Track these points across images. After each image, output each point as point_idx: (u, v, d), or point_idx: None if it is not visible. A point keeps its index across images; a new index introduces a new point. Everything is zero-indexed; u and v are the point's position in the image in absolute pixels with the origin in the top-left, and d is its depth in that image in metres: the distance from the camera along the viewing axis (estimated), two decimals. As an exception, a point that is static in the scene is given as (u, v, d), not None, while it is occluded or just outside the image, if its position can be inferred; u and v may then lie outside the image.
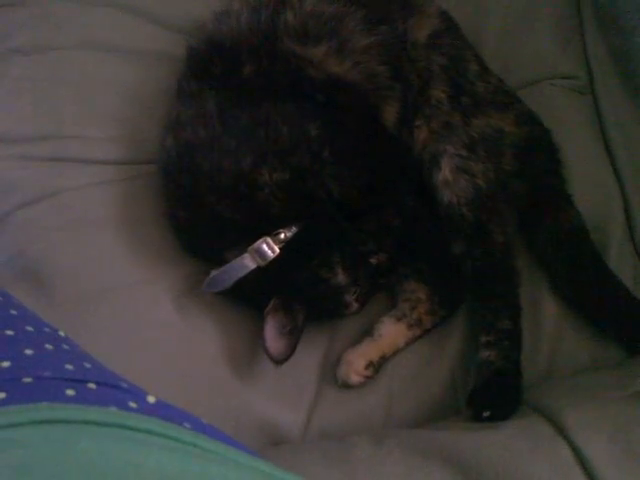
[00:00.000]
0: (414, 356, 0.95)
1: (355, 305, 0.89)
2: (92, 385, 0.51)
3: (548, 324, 0.96)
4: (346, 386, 0.90)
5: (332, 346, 0.94)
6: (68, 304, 0.88)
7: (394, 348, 0.93)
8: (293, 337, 0.85)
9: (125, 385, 0.55)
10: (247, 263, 0.84)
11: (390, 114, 0.93)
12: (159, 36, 1.08)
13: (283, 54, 0.90)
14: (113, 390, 0.53)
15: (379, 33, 0.93)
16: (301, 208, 0.85)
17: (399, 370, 0.93)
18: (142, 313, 0.90)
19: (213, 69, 0.92)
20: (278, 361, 0.83)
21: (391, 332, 0.93)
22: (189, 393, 0.82)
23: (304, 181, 0.84)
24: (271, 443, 0.88)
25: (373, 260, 0.90)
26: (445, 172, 0.91)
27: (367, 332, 0.94)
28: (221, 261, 0.86)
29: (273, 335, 0.83)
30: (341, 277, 0.87)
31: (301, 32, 0.91)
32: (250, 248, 0.83)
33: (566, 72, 1.13)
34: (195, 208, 0.87)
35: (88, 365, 0.56)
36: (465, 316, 0.96)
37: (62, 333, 0.64)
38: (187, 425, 0.52)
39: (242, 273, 0.84)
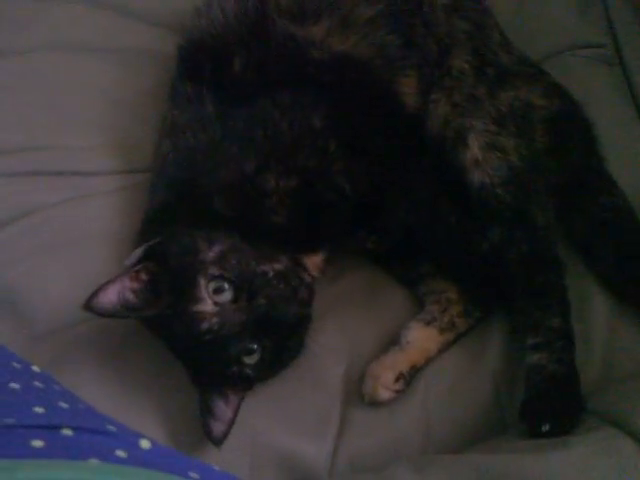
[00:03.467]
0: (450, 365, 0.85)
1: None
2: (67, 431, 0.44)
3: (599, 321, 0.87)
4: (375, 403, 0.82)
5: (355, 361, 0.85)
6: (50, 336, 0.81)
7: (425, 356, 0.84)
8: None
9: (113, 429, 0.46)
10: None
11: (409, 85, 0.86)
12: (136, 30, 1.02)
13: (277, 38, 0.84)
14: (95, 436, 0.45)
15: (384, 1, 0.86)
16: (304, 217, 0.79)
17: (434, 384, 0.84)
18: (140, 340, 0.80)
19: (204, 69, 0.85)
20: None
21: (421, 338, 0.84)
22: (194, 431, 0.75)
23: (312, 186, 0.78)
24: (294, 480, 0.79)
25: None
26: (474, 150, 0.83)
27: (393, 341, 0.85)
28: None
29: None
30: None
31: (296, 10, 0.84)
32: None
33: (589, 41, 1.06)
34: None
35: (65, 405, 0.48)
36: (503, 316, 0.87)
37: (36, 368, 0.57)
38: (193, 475, 0.42)
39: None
